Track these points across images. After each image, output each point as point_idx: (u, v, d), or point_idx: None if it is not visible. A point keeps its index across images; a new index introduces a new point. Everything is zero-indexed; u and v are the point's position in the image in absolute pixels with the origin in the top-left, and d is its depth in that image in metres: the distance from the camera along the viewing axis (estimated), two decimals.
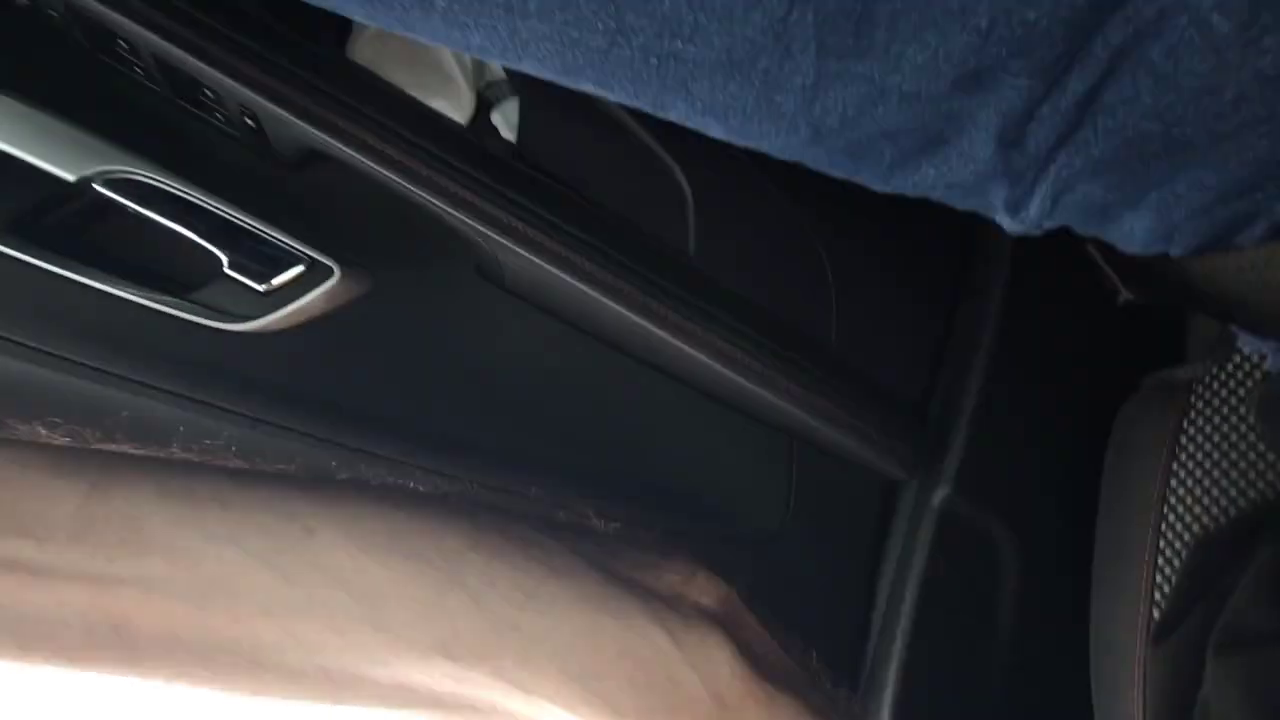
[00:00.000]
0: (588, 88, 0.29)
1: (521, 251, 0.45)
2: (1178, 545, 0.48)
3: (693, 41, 0.26)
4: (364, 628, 0.28)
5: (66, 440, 0.30)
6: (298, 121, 0.41)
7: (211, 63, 0.40)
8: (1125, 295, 0.39)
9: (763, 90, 0.28)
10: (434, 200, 0.43)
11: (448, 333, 0.50)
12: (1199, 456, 0.49)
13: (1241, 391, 0.47)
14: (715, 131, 0.30)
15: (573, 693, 0.30)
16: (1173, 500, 0.49)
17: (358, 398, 0.47)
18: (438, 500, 0.33)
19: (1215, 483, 0.47)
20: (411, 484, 0.35)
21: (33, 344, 0.40)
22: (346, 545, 0.29)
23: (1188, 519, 0.48)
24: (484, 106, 0.53)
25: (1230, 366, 0.48)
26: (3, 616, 0.24)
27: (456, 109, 0.51)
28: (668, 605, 0.33)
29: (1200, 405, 0.49)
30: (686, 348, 0.49)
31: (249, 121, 0.43)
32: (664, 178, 0.50)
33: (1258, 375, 0.46)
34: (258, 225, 0.44)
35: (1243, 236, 0.31)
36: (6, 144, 0.40)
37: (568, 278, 0.46)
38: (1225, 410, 0.48)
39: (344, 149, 0.42)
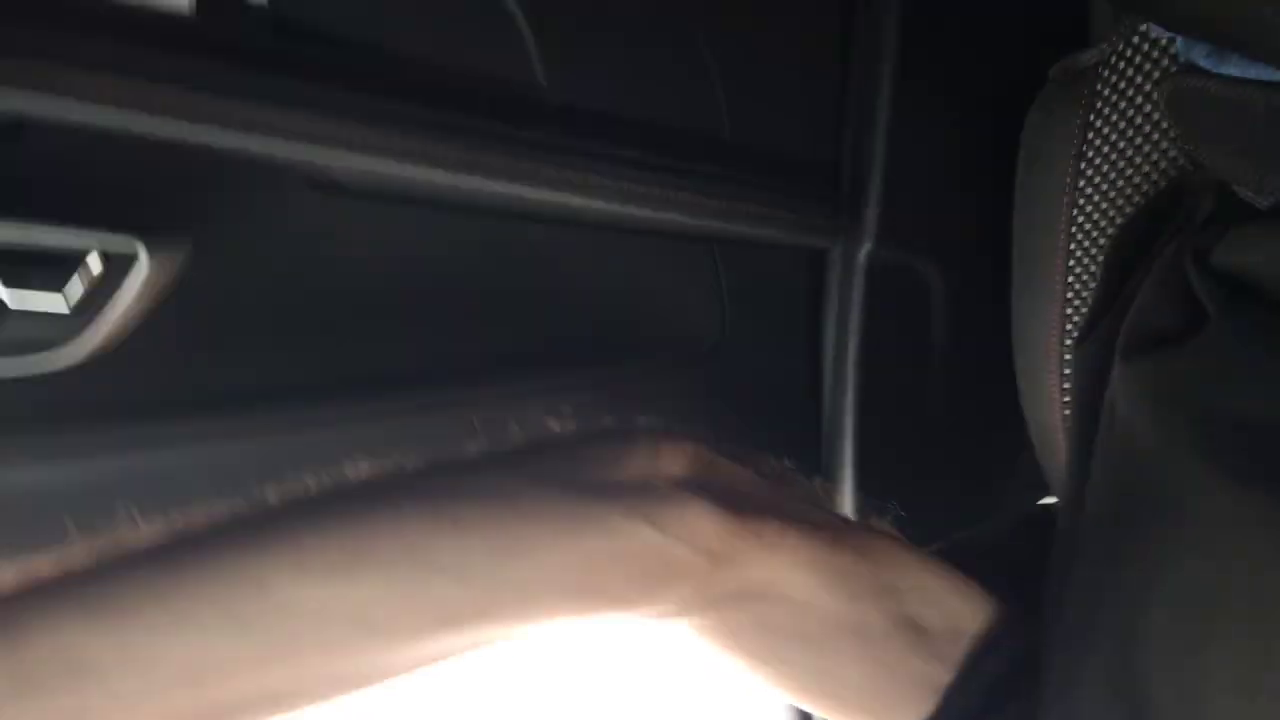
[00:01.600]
0: None
1: (323, 158, 0.37)
2: (1091, 248, 0.49)
3: None
4: (356, 638, 0.28)
5: None
6: None
7: None
8: None
9: None
10: (193, 138, 0.34)
11: (308, 263, 0.43)
12: (1106, 150, 0.47)
13: (1147, 68, 0.44)
14: None
15: (578, 606, 0.31)
16: (1082, 202, 0.49)
17: (240, 371, 0.42)
18: (378, 490, 0.30)
19: (1126, 177, 0.47)
20: (349, 467, 0.32)
21: None
22: (305, 581, 0.27)
23: (1098, 218, 0.49)
24: None
25: (1135, 43, 0.44)
26: None
27: None
28: (642, 494, 0.33)
29: (1106, 93, 0.47)
30: (566, 197, 0.44)
31: None
32: (483, 2, 0.40)
33: (1165, 59, 0.43)
34: (13, 230, 0.35)
35: None
36: None
37: (403, 169, 0.39)
38: (1131, 93, 0.45)
39: (48, 102, 0.32)
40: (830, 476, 0.58)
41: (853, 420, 0.58)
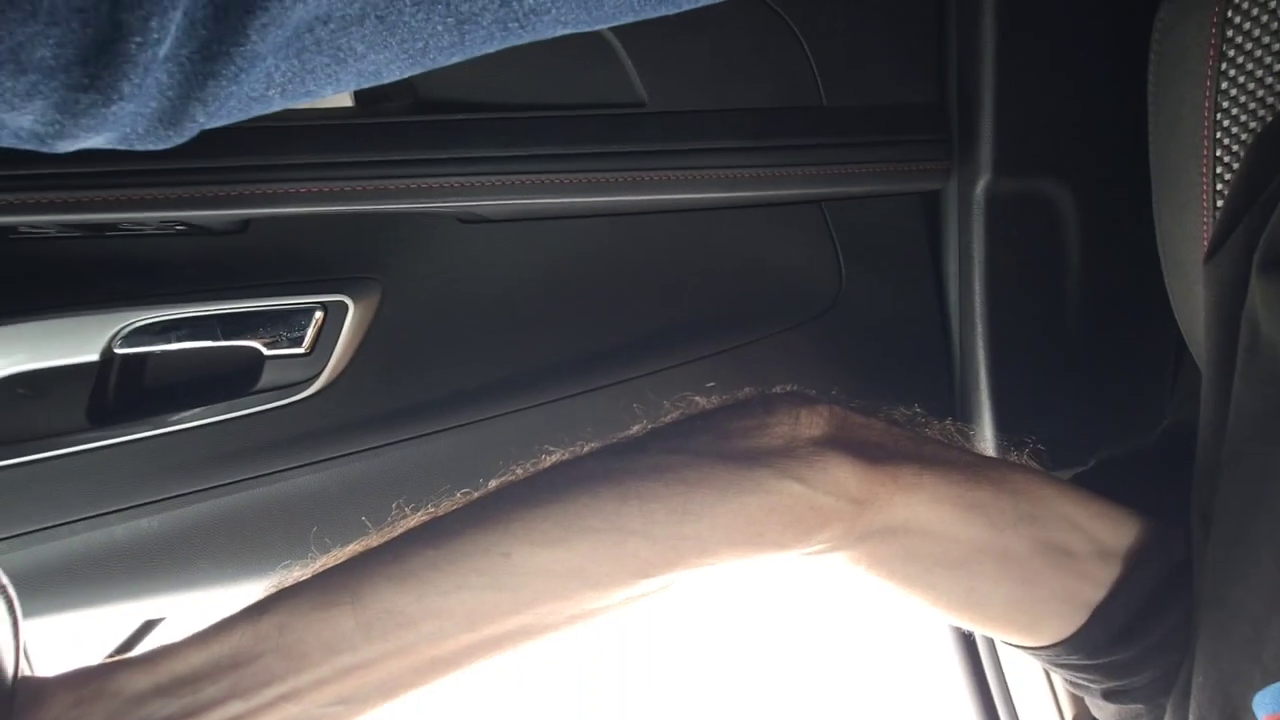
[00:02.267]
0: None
1: (473, 203, 0.44)
2: (1235, 148, 0.46)
3: None
4: (578, 588, 0.37)
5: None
6: (215, 213, 0.41)
7: (112, 208, 0.39)
8: None
9: None
10: (373, 207, 0.42)
11: (470, 285, 0.51)
12: (1249, 46, 0.43)
13: None
14: (626, 20, 0.28)
15: (745, 552, 0.38)
16: (1226, 105, 0.45)
17: (435, 383, 0.51)
18: (573, 473, 0.38)
19: (1271, 72, 0.43)
20: (544, 462, 0.40)
21: (161, 497, 0.46)
22: (537, 549, 0.36)
23: (1246, 119, 0.45)
24: None
25: None
26: None
27: None
28: (787, 455, 0.38)
29: None
30: (678, 193, 0.48)
31: (177, 228, 0.43)
32: (579, 39, 0.45)
33: None
34: (260, 304, 0.46)
35: None
36: (32, 362, 0.42)
37: (538, 200, 0.45)
38: None
39: (269, 211, 0.41)
40: (966, 416, 0.59)
41: (985, 356, 0.58)
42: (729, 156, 0.48)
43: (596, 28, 0.28)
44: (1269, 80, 0.43)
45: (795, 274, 0.57)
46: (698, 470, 0.37)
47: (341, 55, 0.24)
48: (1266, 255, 0.36)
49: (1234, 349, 0.38)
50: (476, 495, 0.38)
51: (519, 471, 0.39)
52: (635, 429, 0.41)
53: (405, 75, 0.27)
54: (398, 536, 0.36)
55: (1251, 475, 0.35)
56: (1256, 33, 0.43)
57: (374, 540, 0.36)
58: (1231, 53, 0.45)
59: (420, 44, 0.25)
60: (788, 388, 0.42)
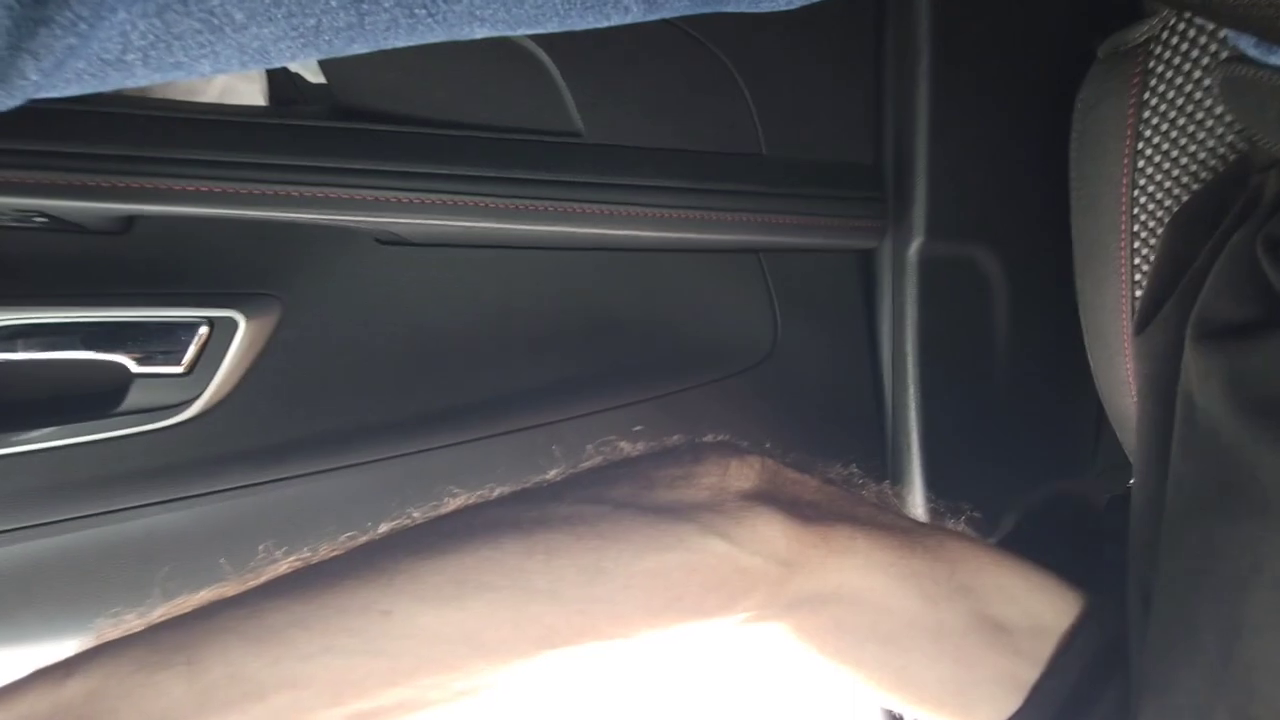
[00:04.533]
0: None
1: (391, 220, 0.41)
2: (1155, 229, 0.47)
3: None
4: (469, 656, 0.32)
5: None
6: (86, 205, 0.36)
7: None
8: None
9: None
10: (278, 215, 0.38)
11: (383, 310, 0.47)
12: (1165, 128, 0.45)
13: (1203, 41, 0.42)
14: (551, 28, 0.26)
15: (662, 619, 0.34)
16: (1143, 182, 0.47)
17: (334, 414, 0.46)
18: (475, 521, 0.34)
19: (1189, 154, 0.45)
20: (446, 506, 0.35)
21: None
22: (423, 607, 0.31)
23: (1161, 197, 0.47)
24: None
25: (1187, 17, 0.42)
26: None
27: (249, 81, 0.43)
28: (713, 510, 0.35)
29: (1160, 69, 0.45)
30: (611, 230, 0.46)
31: (39, 219, 0.38)
32: (516, 61, 0.43)
33: (1218, 34, 0.41)
34: (133, 313, 0.41)
35: None
36: None
37: (462, 223, 0.42)
38: (1188, 67, 0.43)
39: (154, 209, 0.37)
40: (898, 477, 0.58)
41: (917, 417, 0.58)
42: (665, 195, 0.46)
43: (520, 31, 0.26)
44: (1184, 161, 0.45)
45: (730, 323, 0.55)
46: (615, 523, 0.34)
47: (215, 21, 0.21)
48: (1199, 329, 0.36)
49: (1169, 422, 0.37)
50: (362, 540, 0.34)
51: (415, 515, 0.35)
52: (552, 474, 0.37)
53: (300, 58, 0.24)
54: (259, 586, 0.31)
55: (1193, 552, 0.35)
56: (1172, 115, 0.45)
57: (229, 589, 0.31)
58: (1148, 133, 0.46)
59: (312, 20, 0.22)
60: (719, 436, 0.40)
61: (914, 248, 0.57)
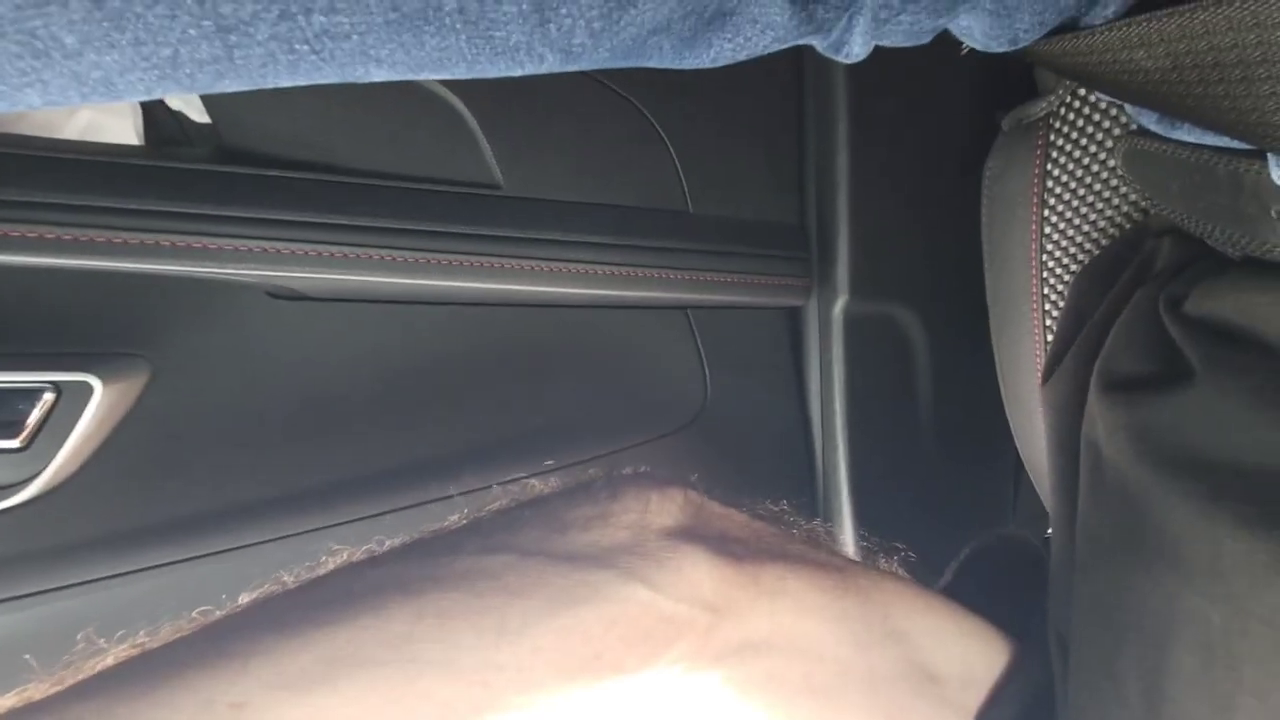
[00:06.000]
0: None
1: (283, 273, 0.36)
2: (1060, 287, 0.49)
3: (343, 12, 0.19)
4: None
5: None
6: None
7: None
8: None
9: (471, 33, 0.21)
10: (147, 266, 0.34)
11: (271, 372, 0.42)
12: (1067, 196, 0.47)
13: (1097, 118, 0.45)
14: (459, 74, 0.23)
15: (579, 680, 0.30)
16: (1050, 246, 0.49)
17: (207, 490, 0.40)
18: (356, 585, 0.29)
19: (1090, 221, 0.47)
20: (324, 566, 0.30)
21: None
22: (285, 696, 0.25)
23: (1067, 261, 0.49)
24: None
25: (1083, 95, 0.45)
26: None
27: (120, 116, 0.38)
28: (633, 552, 0.32)
29: (1060, 141, 0.47)
30: (531, 285, 0.43)
31: None
32: (429, 109, 0.40)
33: (1115, 109, 0.43)
34: None
35: (1093, 15, 0.27)
36: None
37: (365, 278, 0.38)
38: (1085, 141, 0.46)
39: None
40: (829, 517, 0.57)
41: (846, 470, 0.57)
42: (589, 251, 0.44)
43: (424, 75, 0.23)
44: (1085, 228, 0.47)
45: (660, 382, 0.53)
46: (522, 575, 0.29)
47: (40, 46, 0.18)
48: (1103, 379, 0.36)
49: (1075, 471, 0.37)
50: (217, 616, 0.28)
51: (288, 580, 0.30)
52: (452, 519, 0.33)
53: (158, 93, 0.20)
54: (76, 685, 0.25)
55: (1102, 599, 0.34)
56: (1073, 185, 0.47)
57: (35, 692, 0.25)
58: (1053, 201, 0.48)
59: (167, 51, 0.19)
60: (639, 469, 0.36)
61: (839, 306, 0.57)
